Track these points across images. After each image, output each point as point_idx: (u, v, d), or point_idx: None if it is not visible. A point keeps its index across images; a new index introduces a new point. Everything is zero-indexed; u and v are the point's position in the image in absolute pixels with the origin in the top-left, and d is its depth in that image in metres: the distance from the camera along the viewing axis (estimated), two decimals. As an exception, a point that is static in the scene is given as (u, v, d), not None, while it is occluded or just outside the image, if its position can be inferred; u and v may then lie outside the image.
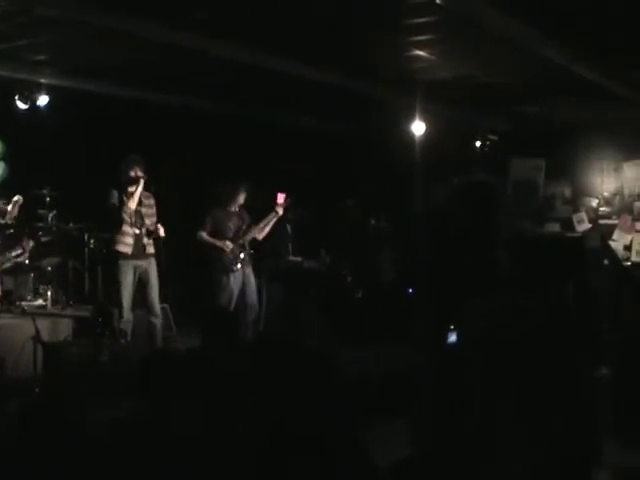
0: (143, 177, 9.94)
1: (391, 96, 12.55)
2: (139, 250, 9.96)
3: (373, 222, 13.96)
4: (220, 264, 10.72)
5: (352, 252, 13.44)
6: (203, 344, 6.63)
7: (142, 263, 9.99)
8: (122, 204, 9.92)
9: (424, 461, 3.50)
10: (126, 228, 9.88)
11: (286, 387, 4.07)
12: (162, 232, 10.09)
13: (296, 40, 9.87)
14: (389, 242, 13.88)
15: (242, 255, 10.73)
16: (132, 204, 9.91)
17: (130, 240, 9.89)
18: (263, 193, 11.26)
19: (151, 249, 10.10)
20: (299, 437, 3.78)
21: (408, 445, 4.24)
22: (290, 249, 12.15)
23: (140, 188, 9.94)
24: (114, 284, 10.03)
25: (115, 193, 9.95)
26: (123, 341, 9.86)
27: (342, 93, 12.05)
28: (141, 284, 9.98)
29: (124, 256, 9.88)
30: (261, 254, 11.45)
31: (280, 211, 10.97)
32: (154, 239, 10.15)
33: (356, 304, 12.60)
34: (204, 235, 10.73)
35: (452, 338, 9.77)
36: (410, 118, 13.33)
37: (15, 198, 11.48)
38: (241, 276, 10.76)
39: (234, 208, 10.93)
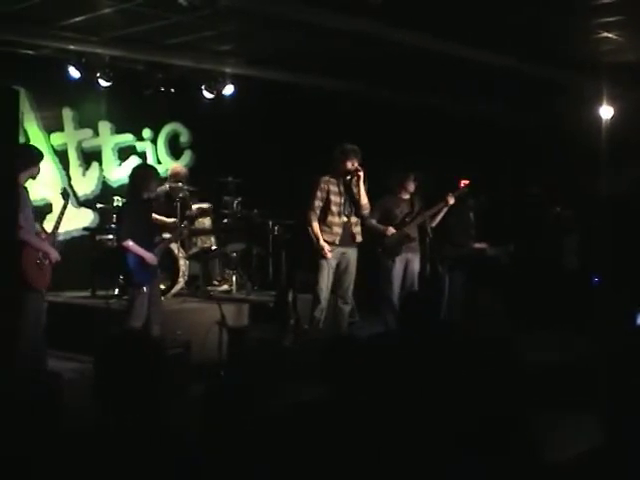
0: (360, 169, 9.78)
1: (576, 80, 12.27)
2: (347, 238, 9.93)
3: (558, 209, 13.68)
4: (385, 250, 10.66)
5: (535, 239, 13.21)
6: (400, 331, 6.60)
7: (348, 250, 9.95)
8: (328, 193, 9.81)
9: (608, 455, 3.39)
10: (333, 219, 9.81)
11: (465, 377, 4.02)
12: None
13: (477, 26, 9.76)
14: (574, 229, 13.58)
15: (405, 243, 10.63)
16: (338, 196, 9.80)
17: (338, 230, 9.85)
18: (444, 180, 11.16)
19: (359, 237, 10.01)
20: (476, 428, 3.73)
21: (589, 438, 4.12)
22: (473, 236, 12.01)
23: (361, 180, 9.81)
24: (314, 271, 9.91)
25: (320, 180, 9.85)
26: (307, 326, 9.94)
27: (526, 78, 11.86)
28: (338, 270, 9.92)
29: (331, 245, 9.86)
30: (443, 242, 11.34)
31: (451, 200, 10.76)
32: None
33: (538, 292, 12.37)
34: (372, 222, 10.66)
35: (640, 318, 9.55)
36: (595, 102, 13.01)
37: (205, 205, 11.76)
38: (404, 262, 10.66)
39: (404, 195, 10.83)
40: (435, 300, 10.60)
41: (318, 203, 9.72)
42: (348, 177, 9.84)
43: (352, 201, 9.90)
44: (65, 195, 8.72)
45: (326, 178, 9.79)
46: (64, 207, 8.56)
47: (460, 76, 12.20)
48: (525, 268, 12.68)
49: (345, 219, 9.82)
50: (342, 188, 9.83)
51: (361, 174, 9.73)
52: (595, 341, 8.91)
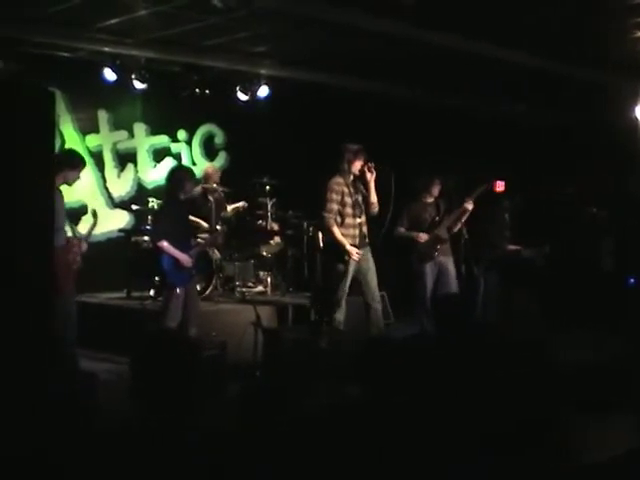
0: (372, 166, 9.70)
1: (612, 80, 12.18)
2: (362, 239, 9.87)
3: (594, 210, 13.60)
4: (416, 254, 10.64)
5: (570, 240, 13.14)
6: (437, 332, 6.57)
7: (363, 251, 9.89)
8: (342, 195, 9.68)
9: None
10: (349, 220, 9.74)
11: (500, 378, 4.00)
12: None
13: (512, 26, 9.72)
14: (609, 231, 13.49)
15: (438, 245, 10.61)
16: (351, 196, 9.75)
17: (355, 232, 9.76)
18: (478, 181, 11.10)
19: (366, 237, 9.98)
20: (512, 429, 3.71)
21: (624, 438, 4.08)
22: (508, 237, 11.96)
23: (372, 177, 9.75)
24: (334, 273, 9.88)
25: (333, 183, 9.79)
26: (342, 327, 9.91)
27: (561, 79, 11.80)
28: (361, 272, 9.87)
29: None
30: (478, 243, 11.30)
31: (470, 206, 10.69)
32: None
33: (573, 292, 12.30)
34: (401, 230, 10.66)
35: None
36: (631, 102, 12.91)
37: (240, 204, 11.85)
38: (437, 266, 10.64)
39: (429, 199, 10.82)
40: (471, 301, 10.60)
41: (336, 206, 9.63)
42: (361, 176, 9.73)
43: (361, 200, 9.82)
44: (94, 215, 8.90)
45: (338, 180, 9.68)
46: (93, 225, 8.76)
47: (494, 76, 12.15)
48: (561, 269, 12.61)
49: (358, 219, 9.75)
50: (352, 189, 9.75)
51: (374, 171, 9.66)
52: (630, 341, 8.86)
